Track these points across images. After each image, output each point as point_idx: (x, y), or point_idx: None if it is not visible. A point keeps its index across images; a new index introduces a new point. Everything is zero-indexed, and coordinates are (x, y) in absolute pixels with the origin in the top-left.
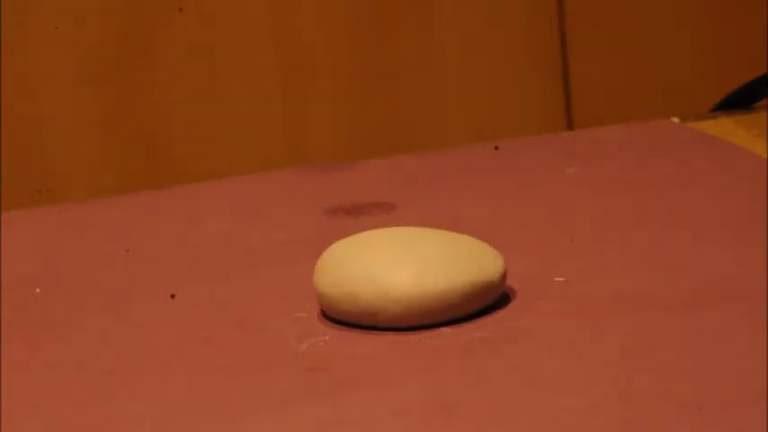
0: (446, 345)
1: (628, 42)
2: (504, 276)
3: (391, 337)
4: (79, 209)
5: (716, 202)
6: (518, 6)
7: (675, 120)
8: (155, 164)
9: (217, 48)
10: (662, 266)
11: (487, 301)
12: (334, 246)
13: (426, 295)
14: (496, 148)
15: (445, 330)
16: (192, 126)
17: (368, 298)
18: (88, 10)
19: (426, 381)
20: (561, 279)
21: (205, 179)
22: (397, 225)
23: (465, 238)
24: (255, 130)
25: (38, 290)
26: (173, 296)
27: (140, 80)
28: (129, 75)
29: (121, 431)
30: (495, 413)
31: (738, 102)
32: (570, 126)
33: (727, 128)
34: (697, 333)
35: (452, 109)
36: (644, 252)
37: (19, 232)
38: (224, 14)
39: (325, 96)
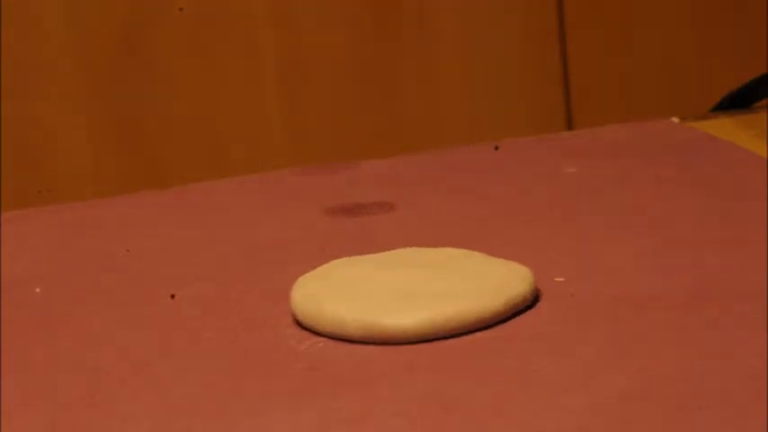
0: (446, 345)
1: (628, 42)
2: (531, 292)
3: None
4: (79, 209)
5: (716, 202)
6: (517, 6)
7: (675, 120)
8: (155, 164)
9: (217, 48)
10: (662, 266)
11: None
12: (314, 273)
13: (438, 334)
14: (496, 148)
15: None
16: (191, 126)
17: (365, 341)
18: (88, 10)
19: (426, 381)
20: (561, 279)
21: (205, 179)
22: (396, 225)
23: (484, 258)
24: (255, 130)
25: (38, 290)
26: (173, 296)
27: (140, 80)
28: (128, 75)
29: (121, 431)
30: (495, 413)
31: (738, 102)
32: (570, 126)
33: (727, 128)
34: (697, 333)
35: (452, 109)
36: (644, 252)
37: (19, 232)
38: (224, 14)
39: (325, 96)
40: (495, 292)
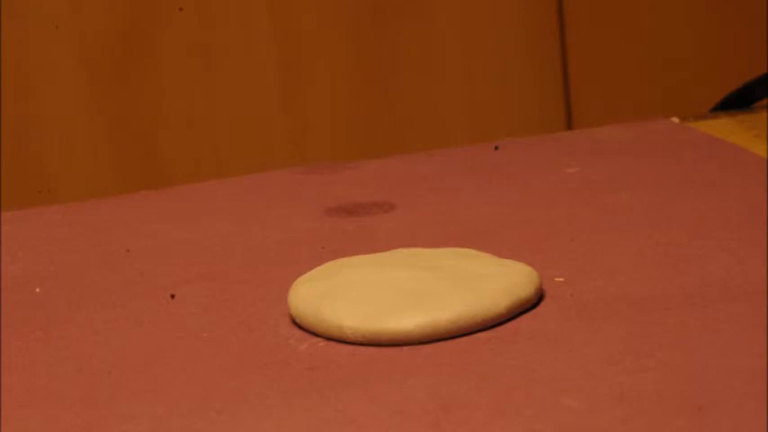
0: (446, 345)
1: (628, 42)
2: (536, 293)
3: None
4: (79, 209)
5: (716, 202)
6: (518, 6)
7: (675, 120)
8: (154, 164)
9: (217, 48)
10: (662, 266)
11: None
12: (311, 274)
13: (440, 336)
14: (496, 148)
15: None
16: (191, 126)
17: (365, 343)
18: (88, 10)
19: (426, 381)
20: (561, 279)
21: (205, 179)
22: (396, 225)
23: (488, 258)
24: (255, 130)
25: (38, 290)
26: (173, 296)
27: (140, 80)
28: (128, 75)
29: (121, 431)
30: (495, 413)
31: (738, 102)
32: (570, 126)
33: (727, 128)
34: (697, 333)
35: (452, 109)
36: (644, 252)
37: (19, 232)
38: (224, 14)
39: (325, 96)
40: (502, 294)
